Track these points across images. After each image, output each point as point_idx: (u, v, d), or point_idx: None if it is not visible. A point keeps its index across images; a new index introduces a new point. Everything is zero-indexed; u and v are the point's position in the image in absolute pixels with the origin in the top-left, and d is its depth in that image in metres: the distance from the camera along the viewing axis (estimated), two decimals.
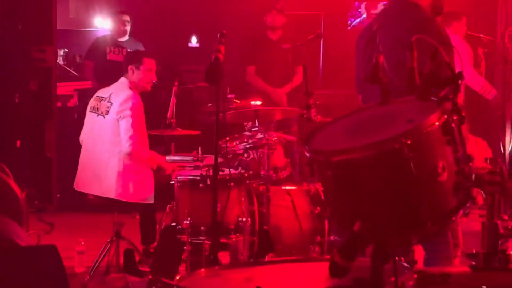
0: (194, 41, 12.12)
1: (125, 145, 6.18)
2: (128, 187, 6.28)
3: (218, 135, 3.87)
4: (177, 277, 2.35)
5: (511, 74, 8.80)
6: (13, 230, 4.78)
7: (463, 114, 2.56)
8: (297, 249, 5.95)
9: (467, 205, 2.52)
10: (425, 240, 2.52)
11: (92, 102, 6.55)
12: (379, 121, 2.64)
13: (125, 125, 6.20)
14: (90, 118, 6.54)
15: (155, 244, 6.56)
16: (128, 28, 9.68)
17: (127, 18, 9.70)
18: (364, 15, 11.26)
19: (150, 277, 5.74)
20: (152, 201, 6.37)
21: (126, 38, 9.70)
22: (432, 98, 2.57)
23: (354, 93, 9.53)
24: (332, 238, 6.18)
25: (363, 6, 11.29)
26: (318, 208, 6.25)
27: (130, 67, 6.47)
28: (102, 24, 11.27)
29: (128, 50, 9.43)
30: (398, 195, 2.43)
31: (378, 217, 2.39)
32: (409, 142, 2.39)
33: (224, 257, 6.53)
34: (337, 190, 2.52)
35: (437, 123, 2.48)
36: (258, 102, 6.78)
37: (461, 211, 2.51)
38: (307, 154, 2.57)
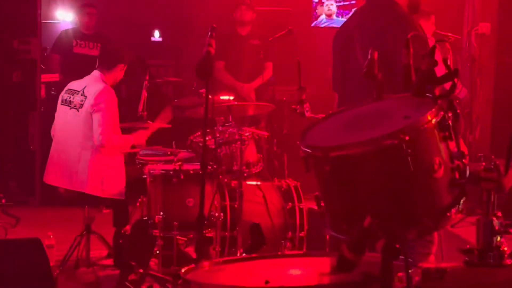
0: (157, 35, 12.07)
1: (98, 138, 6.14)
2: (100, 181, 6.23)
3: (206, 129, 3.86)
4: (182, 270, 2.34)
5: (478, 72, 8.92)
6: None
7: (457, 111, 2.58)
8: (268, 245, 5.95)
9: (461, 202, 2.54)
10: (421, 236, 2.52)
11: (63, 95, 6.49)
12: (375, 117, 2.65)
13: (99, 118, 6.17)
14: (61, 111, 6.48)
15: (128, 227, 6.50)
16: (93, 21, 9.62)
17: (93, 11, 9.64)
18: (322, 16, 11.33)
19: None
20: (123, 197, 6.33)
21: (91, 31, 9.63)
22: (428, 94, 2.59)
23: (323, 90, 9.65)
24: (302, 234, 6.21)
25: (320, 7, 11.36)
26: (290, 203, 6.27)
27: (120, 66, 6.47)
28: (64, 16, 11.15)
29: (95, 43, 9.39)
30: (395, 190, 2.44)
31: (374, 212, 2.39)
32: (407, 138, 2.40)
33: (193, 252, 6.54)
34: (334, 185, 2.52)
35: (433, 120, 2.49)
36: (230, 97, 6.76)
37: (456, 208, 2.53)
38: (303, 149, 2.57)
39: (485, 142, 9.18)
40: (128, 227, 6.44)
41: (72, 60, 9.34)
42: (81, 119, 6.27)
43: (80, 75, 6.70)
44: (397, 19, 4.45)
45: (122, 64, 6.49)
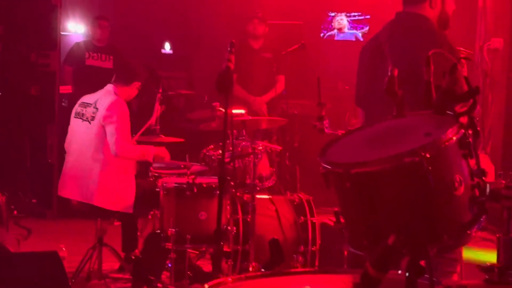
0: (167, 48, 12.10)
1: (112, 148, 6.17)
2: (108, 194, 6.24)
3: (225, 142, 3.87)
4: (206, 286, 2.34)
5: (490, 87, 8.90)
6: None
7: (478, 129, 2.59)
8: None
9: (482, 219, 2.54)
10: (441, 253, 2.51)
11: (77, 108, 6.53)
12: (396, 134, 2.65)
13: (112, 130, 6.19)
14: (75, 124, 6.51)
15: (136, 251, 6.53)
16: (106, 33, 9.66)
17: (106, 23, 9.68)
18: (335, 31, 11.38)
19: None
20: (131, 211, 6.33)
21: (104, 43, 9.67)
22: (448, 112, 2.59)
23: (333, 103, 9.65)
24: (314, 248, 6.21)
25: (335, 20, 11.41)
26: (302, 217, 6.27)
27: (137, 84, 6.51)
28: (76, 28, 11.20)
29: (107, 55, 9.42)
30: (416, 207, 2.44)
31: (396, 229, 2.39)
32: (428, 155, 2.40)
33: (204, 265, 6.54)
34: (355, 201, 2.53)
35: (454, 138, 2.49)
36: (242, 111, 6.79)
37: (476, 225, 2.53)
38: (324, 166, 2.57)
39: (497, 157, 9.15)
40: (137, 251, 6.46)
41: (84, 72, 9.38)
42: (93, 131, 6.29)
43: (92, 87, 6.73)
44: (427, 35, 4.39)
45: (138, 82, 6.54)
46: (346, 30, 11.39)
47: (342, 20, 11.41)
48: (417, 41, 4.35)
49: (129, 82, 6.50)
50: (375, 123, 2.78)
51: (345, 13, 11.34)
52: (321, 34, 11.41)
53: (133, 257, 6.52)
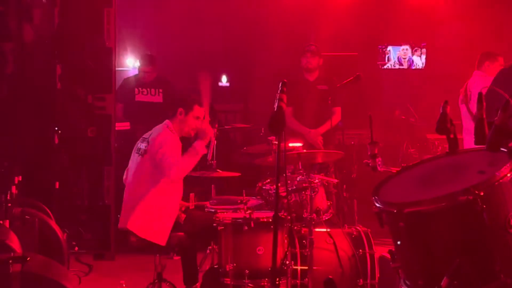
0: (224, 80, 12.17)
1: (169, 176, 6.17)
2: (144, 221, 6.24)
3: (279, 178, 3.88)
4: None
5: None
6: (60, 272, 4.82)
7: None
8: None
9: None
10: None
11: (138, 144, 6.59)
12: (449, 172, 2.65)
13: (165, 162, 6.19)
14: (133, 158, 6.58)
15: (198, 285, 6.53)
16: (152, 77, 9.68)
17: (150, 69, 9.68)
18: (395, 60, 11.40)
19: None
20: (163, 243, 6.29)
21: (152, 77, 9.72)
22: (502, 149, 2.58)
23: (389, 133, 9.62)
24: (374, 282, 6.16)
25: (391, 50, 11.42)
26: (360, 250, 6.23)
27: (179, 110, 6.48)
28: (134, 64, 11.33)
29: (156, 89, 9.51)
30: (471, 246, 2.44)
31: (449, 272, 2.38)
32: (482, 193, 2.39)
33: None
34: (409, 241, 2.52)
35: (509, 175, 2.48)
36: (299, 144, 6.78)
37: None
38: (377, 205, 2.57)
39: None
40: (198, 285, 6.46)
41: (134, 109, 9.44)
42: (143, 164, 6.33)
43: (144, 123, 6.74)
44: None
45: (181, 108, 6.48)
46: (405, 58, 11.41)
47: (407, 51, 11.46)
48: None
49: (174, 111, 6.49)
50: (428, 161, 2.78)
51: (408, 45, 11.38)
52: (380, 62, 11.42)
53: None
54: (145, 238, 6.25)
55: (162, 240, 6.25)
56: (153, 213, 6.27)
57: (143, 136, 6.60)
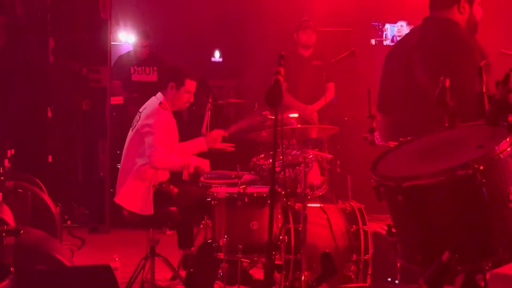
0: (217, 56, 12.12)
1: (148, 159, 6.18)
2: (129, 194, 6.26)
3: (275, 152, 3.84)
4: None
5: None
6: (53, 245, 4.80)
7: None
8: None
9: None
10: (496, 267, 2.47)
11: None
12: (447, 146, 2.63)
13: (149, 141, 6.20)
14: (129, 132, 6.56)
15: (192, 249, 6.49)
16: (146, 52, 9.69)
17: (146, 43, 9.69)
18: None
19: None
20: (151, 212, 6.29)
21: (146, 54, 9.71)
22: (501, 123, 2.55)
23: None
24: (367, 257, 6.16)
25: (388, 28, 11.38)
26: (354, 226, 6.23)
27: (170, 84, 6.45)
28: (126, 38, 11.26)
29: (151, 67, 9.49)
30: (470, 220, 2.42)
31: (450, 243, 2.37)
32: (481, 167, 2.38)
33: (257, 273, 6.53)
34: (407, 215, 2.51)
35: (508, 149, 2.46)
36: (295, 115, 6.75)
37: None
38: (375, 179, 2.55)
39: None
40: (193, 249, 6.44)
41: (132, 88, 9.45)
42: (133, 138, 6.34)
43: (140, 102, 6.75)
44: (460, 43, 4.24)
45: (172, 82, 6.45)
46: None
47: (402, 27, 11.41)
48: (448, 46, 4.23)
49: (165, 85, 6.46)
50: (426, 135, 2.76)
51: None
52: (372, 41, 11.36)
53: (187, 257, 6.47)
54: (132, 210, 6.26)
55: (148, 210, 6.25)
56: (139, 186, 6.27)
57: (139, 110, 6.58)
